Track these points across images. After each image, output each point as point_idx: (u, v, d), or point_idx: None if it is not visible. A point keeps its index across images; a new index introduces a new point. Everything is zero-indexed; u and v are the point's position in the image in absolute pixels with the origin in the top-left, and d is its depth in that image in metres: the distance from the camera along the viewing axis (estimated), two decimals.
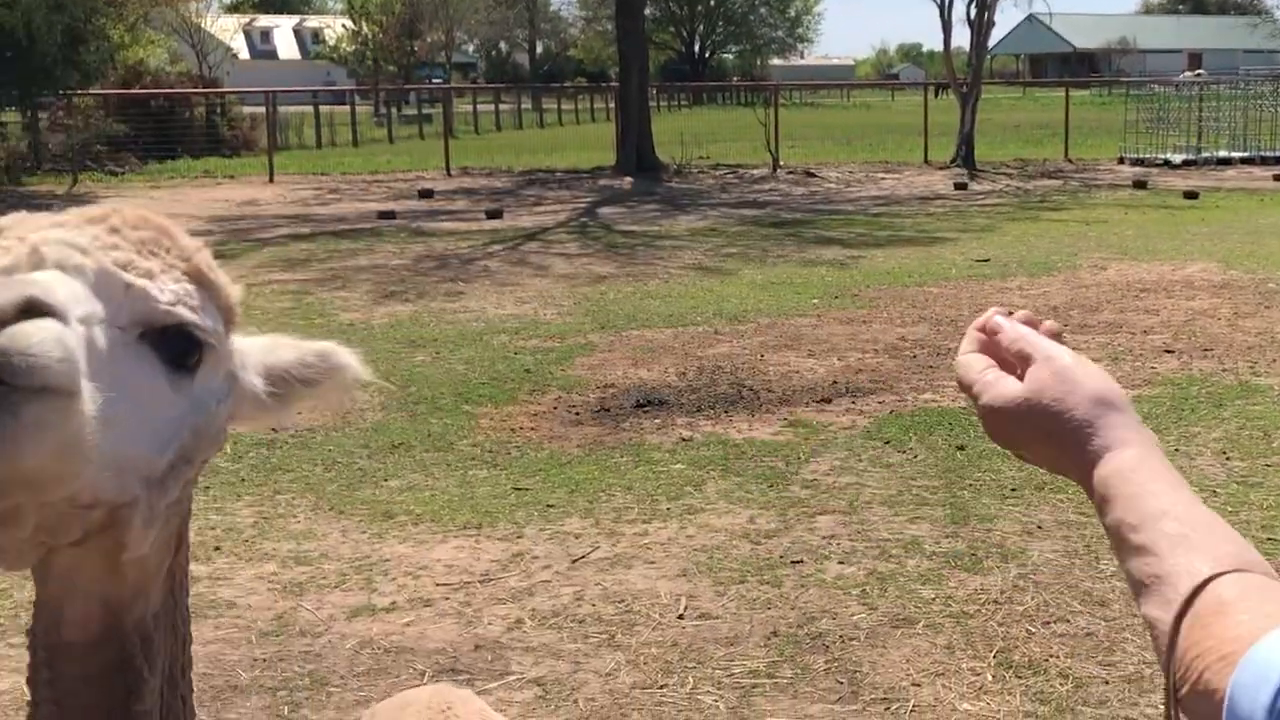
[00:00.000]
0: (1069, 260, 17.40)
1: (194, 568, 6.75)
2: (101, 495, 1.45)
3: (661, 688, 5.62)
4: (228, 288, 1.77)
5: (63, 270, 1.47)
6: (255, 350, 1.83)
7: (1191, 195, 25.66)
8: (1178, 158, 33.45)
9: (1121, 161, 34.52)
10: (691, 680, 5.68)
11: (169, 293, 1.60)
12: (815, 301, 14.71)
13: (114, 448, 1.43)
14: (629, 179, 32.23)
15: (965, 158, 33.74)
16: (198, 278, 1.69)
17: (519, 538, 7.42)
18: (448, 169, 35.51)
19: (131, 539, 1.51)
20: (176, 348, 1.59)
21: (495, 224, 23.60)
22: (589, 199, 28.41)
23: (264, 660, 5.95)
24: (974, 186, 29.35)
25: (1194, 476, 8.06)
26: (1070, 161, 35.38)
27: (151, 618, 1.62)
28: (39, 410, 1.29)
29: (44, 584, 1.58)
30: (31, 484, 1.34)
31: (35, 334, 1.29)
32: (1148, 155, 34.10)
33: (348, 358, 1.84)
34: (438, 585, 6.77)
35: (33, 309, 1.30)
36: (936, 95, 50.84)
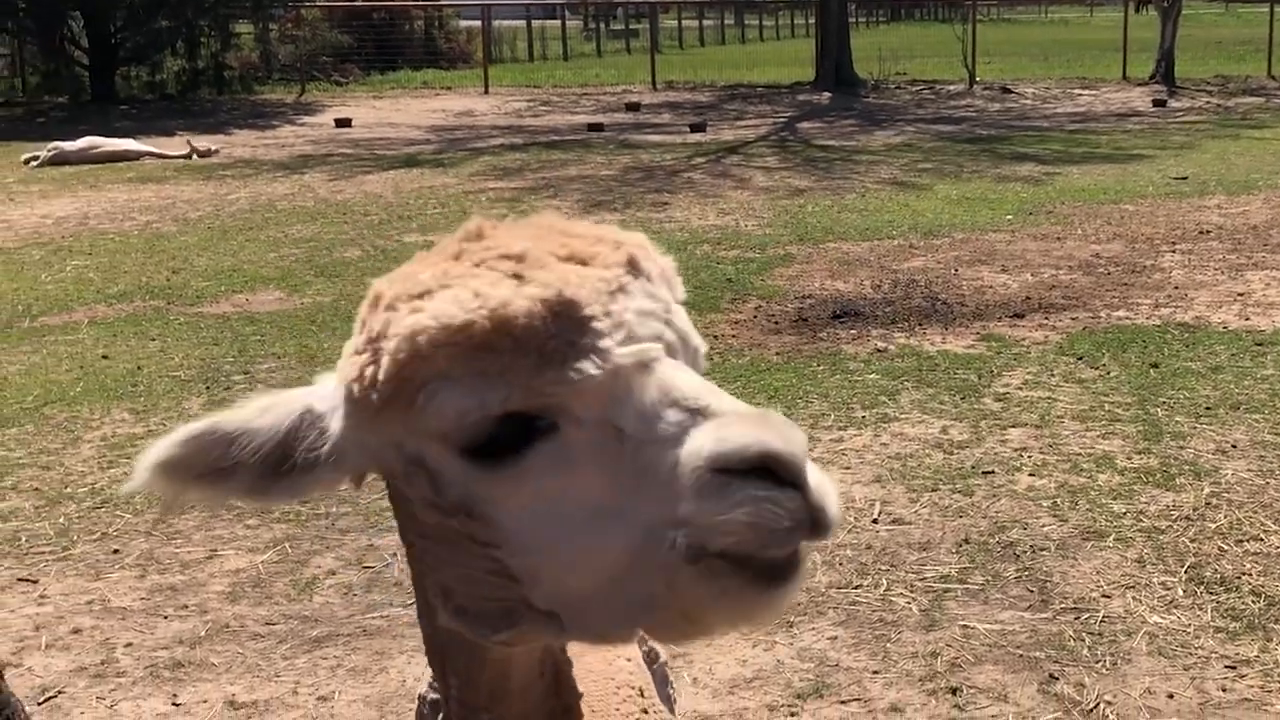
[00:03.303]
0: (1270, 179, 16.99)
1: None
2: None
3: (856, 588, 5.85)
4: None
5: (687, 349, 1.52)
6: None
7: None
8: None
9: None
10: (885, 582, 5.89)
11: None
12: (1010, 217, 14.65)
13: None
14: (827, 94, 32.10)
15: (1165, 74, 32.69)
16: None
17: None
18: (653, 83, 35.76)
19: None
20: None
21: (698, 137, 23.77)
22: (788, 114, 28.39)
23: None
24: (1173, 103, 28.56)
25: None
26: (1273, 78, 34.07)
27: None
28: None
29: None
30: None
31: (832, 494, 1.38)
32: None
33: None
34: None
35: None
36: (1137, 10, 49.10)
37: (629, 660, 2.53)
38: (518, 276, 1.47)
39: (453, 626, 1.54)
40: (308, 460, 1.52)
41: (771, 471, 1.35)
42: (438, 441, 1.45)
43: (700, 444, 1.35)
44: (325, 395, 1.56)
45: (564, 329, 1.43)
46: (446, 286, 1.47)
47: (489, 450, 1.43)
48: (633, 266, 1.56)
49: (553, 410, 1.42)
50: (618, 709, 2.37)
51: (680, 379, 1.44)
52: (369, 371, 1.47)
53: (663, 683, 2.71)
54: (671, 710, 2.70)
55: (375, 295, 1.53)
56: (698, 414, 1.39)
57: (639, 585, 1.40)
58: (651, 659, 2.68)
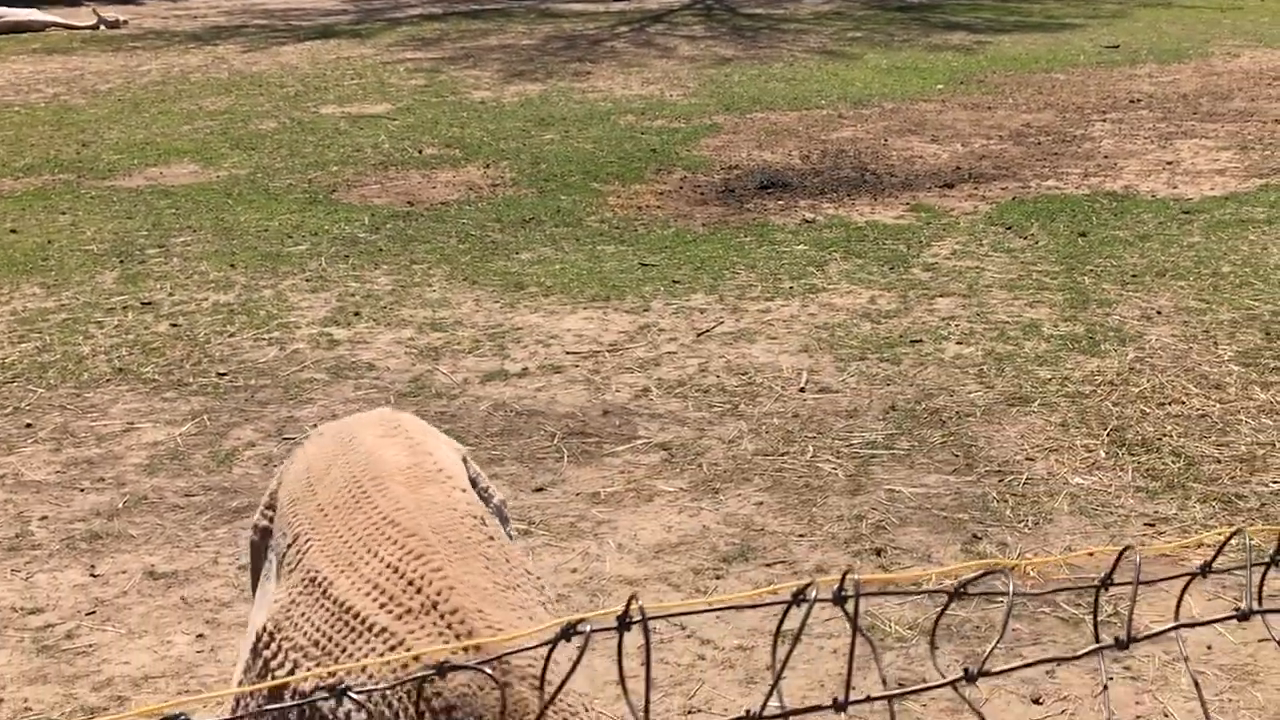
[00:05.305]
0: (1201, 47, 16.92)
1: (335, 331, 7.13)
2: None
3: (782, 455, 5.83)
4: None
5: None
6: None
7: None
8: None
9: None
10: (811, 449, 5.88)
11: None
12: (940, 87, 14.54)
13: None
14: None
15: None
16: None
17: (645, 311, 7.63)
18: None
19: None
20: None
21: (622, 5, 23.39)
22: None
23: None
24: None
25: None
26: None
27: None
28: None
29: None
30: None
31: None
32: None
33: None
34: (567, 353, 7.02)
35: None
36: None
37: (464, 492, 2.59)
38: None
39: None
40: None
41: None
42: None
43: None
44: None
45: None
46: None
47: None
48: None
49: None
50: (468, 536, 2.44)
51: None
52: None
53: (503, 521, 2.75)
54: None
55: None
56: None
57: None
58: (488, 497, 2.73)
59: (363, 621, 2.31)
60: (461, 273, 8.36)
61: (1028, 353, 6.89)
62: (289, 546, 2.56)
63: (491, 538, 2.46)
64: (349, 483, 2.55)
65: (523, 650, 1.75)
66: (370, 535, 2.41)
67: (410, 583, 2.30)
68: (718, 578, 4.88)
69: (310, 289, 8.10)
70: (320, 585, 2.40)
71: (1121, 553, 1.48)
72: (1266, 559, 1.49)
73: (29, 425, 6.25)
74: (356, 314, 7.64)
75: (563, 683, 1.35)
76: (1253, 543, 1.53)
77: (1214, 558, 1.56)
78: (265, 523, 2.77)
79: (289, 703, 2.18)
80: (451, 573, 2.30)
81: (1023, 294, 7.76)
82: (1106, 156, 11.09)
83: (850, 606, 1.35)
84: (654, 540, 5.13)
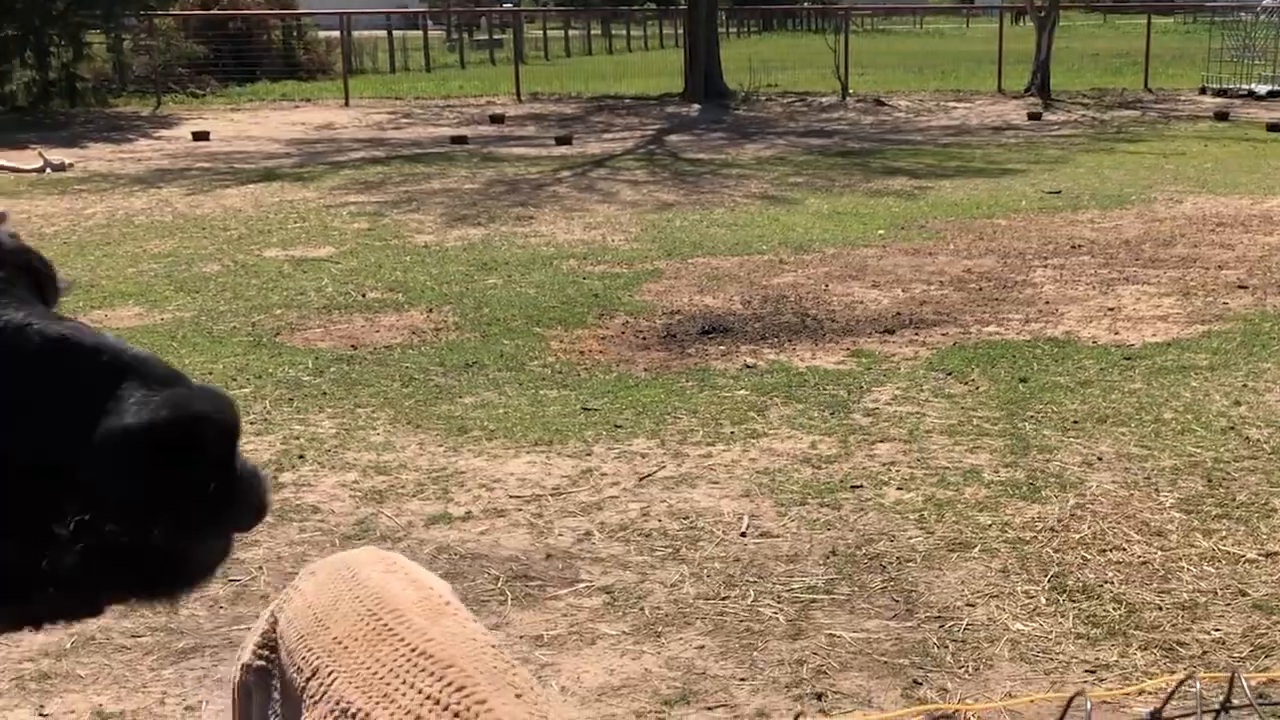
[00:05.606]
0: (1144, 193, 17.20)
1: (280, 474, 7.13)
2: None
3: (724, 599, 5.86)
4: None
5: None
6: None
7: (1275, 128, 24.81)
8: (1263, 89, 31.93)
9: (1203, 92, 33.07)
10: (753, 593, 5.91)
11: None
12: (881, 232, 14.76)
13: None
14: (697, 106, 31.97)
15: (1040, 87, 32.44)
16: None
17: (588, 455, 7.68)
18: (518, 95, 35.43)
19: None
20: None
21: (564, 150, 23.73)
22: (657, 126, 28.36)
23: None
24: (1048, 116, 28.58)
25: (1261, 412, 8.19)
26: (1150, 91, 33.90)
27: None
28: None
29: None
30: None
31: None
32: (1231, 86, 32.61)
33: None
34: (511, 497, 7.05)
35: None
36: (1014, 22, 48.76)
37: (476, 623, 2.62)
38: None
39: None
40: None
41: None
42: None
43: None
44: None
45: None
46: None
47: None
48: None
49: None
50: (494, 666, 2.45)
51: None
52: None
53: None
54: None
55: None
56: None
57: None
58: None
59: None
60: (405, 416, 8.41)
61: (968, 498, 6.96)
62: (309, 679, 2.56)
63: (513, 666, 2.50)
64: (365, 615, 2.56)
65: None
66: (402, 667, 2.42)
67: (456, 715, 2.32)
68: None
69: (255, 432, 8.11)
70: (354, 717, 2.41)
71: (1071, 699, 1.51)
72: (1215, 707, 1.53)
73: None
74: (301, 457, 7.66)
75: None
76: (1201, 689, 1.56)
77: (1164, 704, 1.61)
78: (262, 663, 2.77)
79: None
80: (495, 704, 2.32)
81: (963, 440, 7.85)
82: (1048, 302, 11.26)
83: None
84: (597, 683, 5.15)
